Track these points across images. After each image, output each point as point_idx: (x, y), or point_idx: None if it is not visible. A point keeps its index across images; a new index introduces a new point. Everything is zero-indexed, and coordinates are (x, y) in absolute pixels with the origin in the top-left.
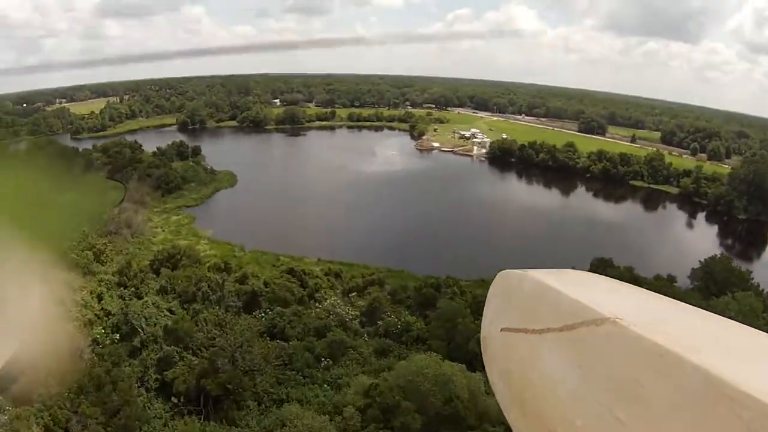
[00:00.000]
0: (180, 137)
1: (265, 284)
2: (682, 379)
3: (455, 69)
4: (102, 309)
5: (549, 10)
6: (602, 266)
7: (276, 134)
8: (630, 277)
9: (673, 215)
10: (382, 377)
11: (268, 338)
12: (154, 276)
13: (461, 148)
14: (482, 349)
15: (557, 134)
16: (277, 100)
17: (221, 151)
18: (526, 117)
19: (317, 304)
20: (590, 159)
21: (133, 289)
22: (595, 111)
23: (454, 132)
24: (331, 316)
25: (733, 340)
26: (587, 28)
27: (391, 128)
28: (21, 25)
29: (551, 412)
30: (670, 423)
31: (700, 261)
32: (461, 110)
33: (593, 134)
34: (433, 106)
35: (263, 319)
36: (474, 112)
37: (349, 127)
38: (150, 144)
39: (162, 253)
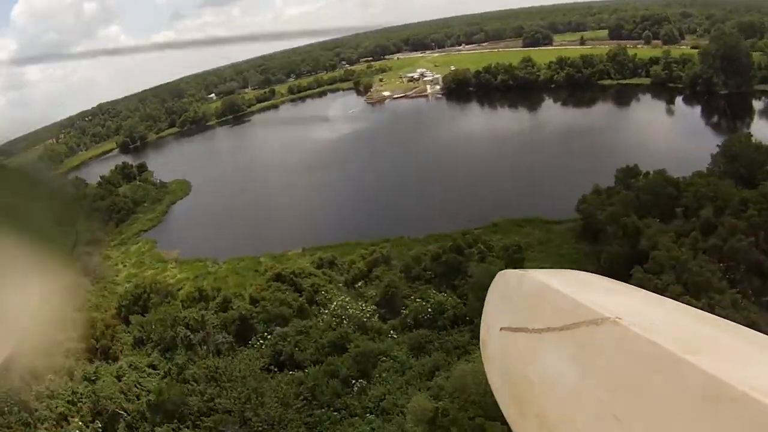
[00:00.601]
0: (123, 159)
1: (253, 301)
2: (681, 379)
3: (382, 19)
4: (73, 393)
5: None
6: (629, 175)
7: (219, 129)
8: (663, 180)
9: (653, 105)
10: (445, 392)
11: (276, 370)
12: (125, 327)
13: (414, 90)
14: (482, 349)
15: (505, 54)
16: (213, 95)
17: (168, 161)
18: (466, 46)
19: (322, 309)
20: (551, 69)
21: (103, 355)
22: (533, 24)
23: (400, 77)
24: (345, 321)
25: (732, 340)
26: None
27: (334, 91)
28: None
29: (551, 411)
30: (669, 423)
31: (717, 145)
32: (400, 55)
33: (540, 46)
34: (370, 58)
35: (263, 347)
36: (413, 54)
37: (292, 101)
38: (94, 176)
39: (126, 297)
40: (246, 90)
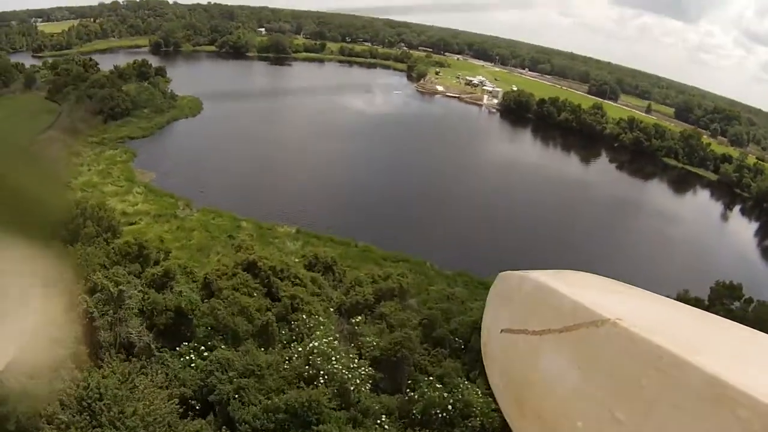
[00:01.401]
0: (151, 60)
1: (206, 286)
2: (682, 379)
3: (449, 19)
4: None
5: None
6: (731, 295)
7: (257, 62)
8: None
9: (709, 204)
10: None
11: (191, 416)
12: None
13: (469, 95)
14: (482, 351)
15: (568, 93)
16: (263, 29)
17: (191, 76)
18: (529, 71)
19: (294, 341)
20: (620, 126)
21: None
22: (600, 75)
23: (458, 77)
24: (320, 378)
25: (733, 340)
26: None
27: (385, 67)
28: None
29: (551, 412)
30: (670, 424)
31: None
32: (461, 57)
33: (604, 98)
34: (431, 49)
35: (193, 368)
36: (474, 61)
37: (340, 62)
38: (113, 64)
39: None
40: (297, 36)
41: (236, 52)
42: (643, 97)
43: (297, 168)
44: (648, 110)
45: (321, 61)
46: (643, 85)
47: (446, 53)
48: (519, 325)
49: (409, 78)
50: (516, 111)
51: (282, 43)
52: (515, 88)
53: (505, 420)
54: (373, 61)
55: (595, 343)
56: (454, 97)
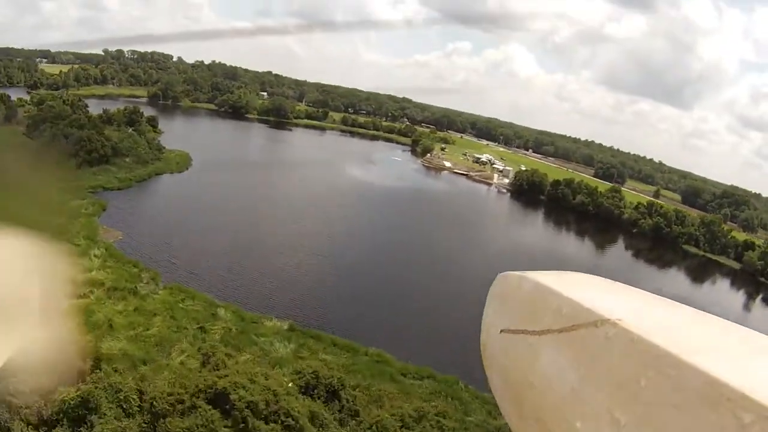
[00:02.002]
0: (147, 111)
1: (153, 418)
2: (681, 380)
3: (448, 99)
4: None
5: (548, 55)
6: None
7: (257, 125)
8: None
9: (731, 293)
10: None
11: None
12: None
13: (478, 173)
14: (481, 351)
15: (576, 176)
16: (265, 93)
17: (184, 131)
18: (533, 153)
19: None
20: (639, 211)
21: None
22: (604, 158)
23: (465, 154)
24: None
25: (732, 341)
26: (583, 79)
27: (388, 140)
28: None
29: (551, 413)
30: (669, 424)
31: None
32: (464, 135)
33: (612, 182)
34: (434, 126)
35: None
36: (478, 140)
37: (342, 131)
38: (102, 108)
39: None
40: (299, 103)
41: (236, 113)
42: (646, 182)
43: (291, 245)
44: (656, 195)
45: (322, 129)
46: (646, 169)
47: (449, 131)
48: (518, 325)
49: (413, 152)
50: (528, 192)
51: (284, 107)
52: (524, 168)
53: (505, 421)
54: (375, 133)
55: (594, 343)
56: (462, 174)
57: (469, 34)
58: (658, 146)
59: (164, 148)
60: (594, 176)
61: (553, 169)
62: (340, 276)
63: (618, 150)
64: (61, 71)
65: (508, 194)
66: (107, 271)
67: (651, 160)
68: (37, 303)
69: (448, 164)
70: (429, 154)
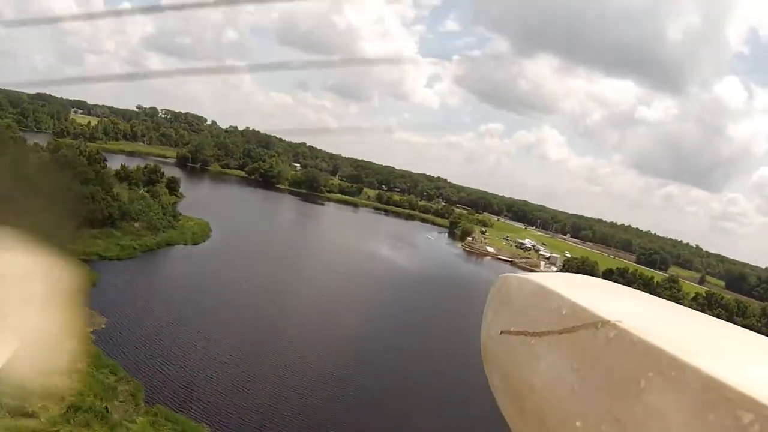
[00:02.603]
0: (173, 173)
1: None
2: (681, 381)
3: (480, 180)
4: None
5: (579, 138)
6: None
7: (288, 196)
8: None
9: None
10: None
11: None
12: None
13: (523, 259)
14: (482, 352)
15: (618, 263)
16: (298, 165)
17: (208, 197)
18: (571, 237)
19: None
20: (698, 302)
21: None
22: (642, 243)
23: (506, 239)
24: None
25: (732, 342)
26: (614, 162)
27: (424, 220)
28: (70, 32)
29: (551, 414)
30: (669, 425)
31: None
32: (500, 218)
33: (654, 269)
34: (470, 208)
35: None
36: (514, 223)
37: (376, 209)
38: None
39: None
40: (333, 177)
41: (266, 182)
42: (685, 267)
43: (313, 355)
44: (702, 282)
45: (355, 205)
46: (684, 254)
47: (485, 212)
48: (519, 326)
49: (451, 235)
50: None
51: (317, 179)
52: (568, 255)
53: (506, 421)
54: (411, 212)
55: (594, 344)
56: (507, 260)
57: (501, 116)
58: (687, 229)
59: (180, 215)
60: (636, 262)
61: (596, 256)
62: (377, 396)
63: (655, 234)
64: (89, 122)
65: None
66: (72, 378)
67: (687, 244)
68: (37, 306)
69: (491, 249)
70: (471, 238)
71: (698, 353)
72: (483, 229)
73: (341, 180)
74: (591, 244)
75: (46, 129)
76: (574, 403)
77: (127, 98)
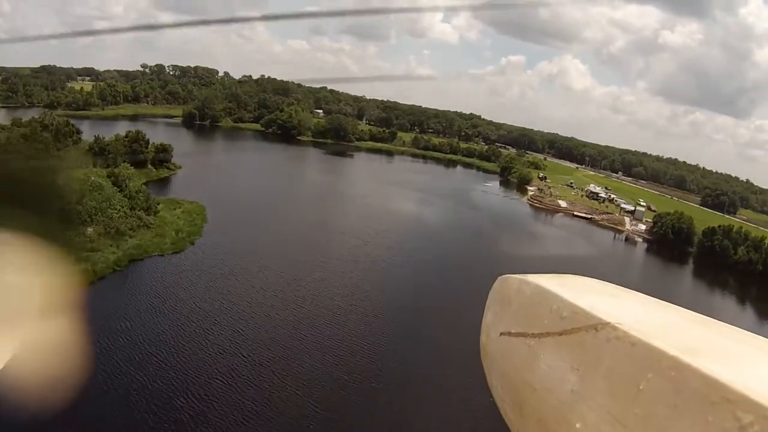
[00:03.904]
0: (181, 134)
1: None
2: (681, 382)
3: (504, 114)
4: None
5: (603, 66)
6: None
7: (311, 149)
8: None
9: None
10: None
11: None
12: None
13: (604, 215)
14: (481, 354)
15: (686, 207)
16: (321, 111)
17: (213, 163)
18: (623, 176)
19: None
20: None
21: None
22: (694, 179)
23: (571, 185)
24: None
25: (732, 343)
26: (639, 90)
27: (468, 165)
28: (77, 2)
29: (551, 415)
30: (669, 426)
31: None
32: (547, 157)
33: (723, 212)
34: (511, 146)
35: None
36: (564, 162)
37: (413, 156)
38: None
39: None
40: (360, 122)
41: (286, 134)
42: (742, 205)
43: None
44: None
45: (389, 153)
46: (739, 190)
47: (528, 152)
48: (518, 328)
49: (504, 183)
50: (673, 242)
51: (343, 126)
52: (643, 203)
53: (505, 423)
54: (453, 157)
55: (594, 346)
56: (585, 217)
57: (522, 47)
58: (713, 156)
59: (159, 206)
60: (702, 205)
61: (665, 200)
62: None
63: (705, 169)
64: (82, 88)
65: (645, 244)
66: None
67: (737, 178)
68: (37, 306)
69: (563, 204)
70: (535, 189)
71: (698, 354)
72: (541, 174)
73: (370, 124)
74: (644, 182)
75: (38, 103)
76: (574, 404)
77: (137, 61)
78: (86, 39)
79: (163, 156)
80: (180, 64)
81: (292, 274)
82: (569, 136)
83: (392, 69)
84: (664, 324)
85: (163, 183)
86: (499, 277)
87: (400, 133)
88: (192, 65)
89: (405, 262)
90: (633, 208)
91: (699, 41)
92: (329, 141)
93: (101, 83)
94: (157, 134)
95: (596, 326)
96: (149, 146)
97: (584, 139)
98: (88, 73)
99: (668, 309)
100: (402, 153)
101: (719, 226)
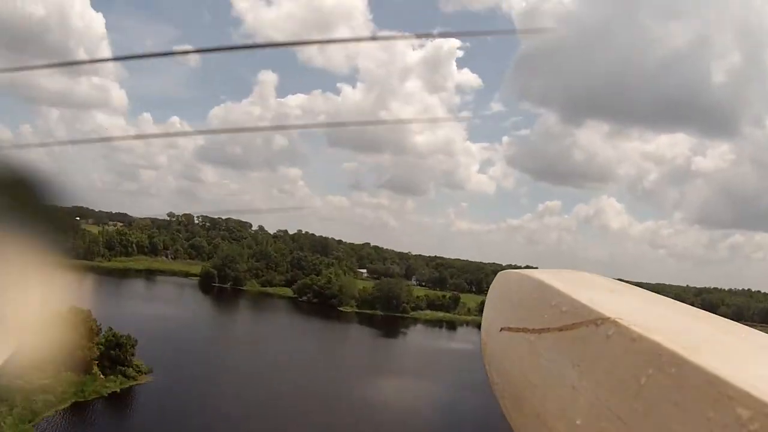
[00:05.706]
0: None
1: None
2: (681, 378)
3: (543, 262)
4: None
5: (638, 201)
6: None
7: (355, 327)
8: None
9: None
10: None
11: None
12: None
13: None
14: (482, 349)
15: None
16: (364, 271)
17: (208, 365)
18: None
19: None
20: None
21: None
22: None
23: None
24: None
25: (733, 339)
26: (676, 221)
27: None
28: (125, 150)
29: (551, 411)
30: (669, 422)
31: None
32: None
33: None
34: None
35: None
36: None
37: (478, 325)
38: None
39: None
40: (411, 283)
41: (323, 303)
42: None
43: None
44: None
45: (451, 325)
46: None
47: None
48: (519, 323)
49: None
50: None
51: (395, 292)
52: None
53: (506, 418)
54: None
55: (594, 341)
56: None
57: (558, 192)
58: (754, 277)
59: None
60: None
61: None
62: None
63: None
64: (84, 234)
65: None
66: None
67: None
68: (36, 306)
69: None
70: None
71: (698, 350)
72: None
73: (424, 286)
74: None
75: None
76: (575, 400)
77: (180, 210)
78: (131, 185)
79: (117, 354)
80: (211, 216)
81: None
82: (611, 277)
83: (432, 223)
84: (665, 320)
85: (110, 406)
86: (500, 273)
87: (462, 296)
88: (223, 217)
89: None
90: None
91: (731, 161)
92: (378, 312)
93: (109, 228)
94: (142, 304)
95: (597, 321)
96: (100, 336)
97: (627, 278)
98: (121, 218)
99: (669, 305)
100: (468, 323)
101: None
